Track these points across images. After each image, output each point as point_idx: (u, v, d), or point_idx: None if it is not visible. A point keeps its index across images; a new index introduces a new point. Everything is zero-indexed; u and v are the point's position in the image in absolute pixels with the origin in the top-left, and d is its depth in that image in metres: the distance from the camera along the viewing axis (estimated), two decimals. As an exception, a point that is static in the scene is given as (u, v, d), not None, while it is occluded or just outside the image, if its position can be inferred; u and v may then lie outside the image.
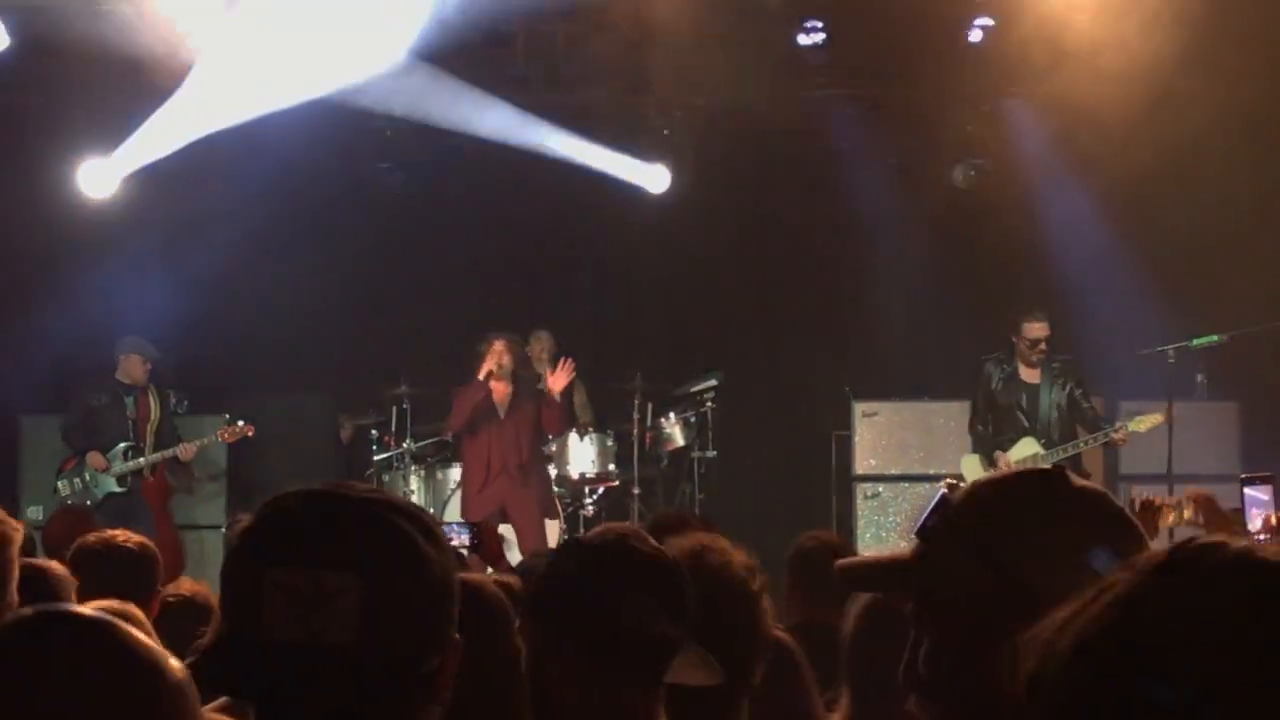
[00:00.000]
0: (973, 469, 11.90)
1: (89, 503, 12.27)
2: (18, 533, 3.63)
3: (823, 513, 13.09)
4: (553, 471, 12.79)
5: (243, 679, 1.92)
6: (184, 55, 12.27)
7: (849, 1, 12.14)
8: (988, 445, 11.91)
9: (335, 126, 13.78)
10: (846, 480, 13.23)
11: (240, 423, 12.70)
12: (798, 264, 14.35)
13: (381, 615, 1.89)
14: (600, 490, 13.12)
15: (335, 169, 13.83)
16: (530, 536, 11.80)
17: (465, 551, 6.40)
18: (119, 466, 12.50)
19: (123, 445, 12.55)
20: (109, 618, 1.72)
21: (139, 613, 4.47)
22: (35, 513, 12.75)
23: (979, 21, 12.37)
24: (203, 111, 12.84)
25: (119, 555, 5.24)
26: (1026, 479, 2.06)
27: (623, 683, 2.83)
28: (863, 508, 12.99)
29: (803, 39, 12.34)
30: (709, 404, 13.38)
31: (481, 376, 11.97)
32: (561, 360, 12.43)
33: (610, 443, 13.13)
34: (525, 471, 12.13)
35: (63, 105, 13.10)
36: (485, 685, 2.83)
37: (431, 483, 13.10)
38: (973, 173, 13.34)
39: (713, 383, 13.38)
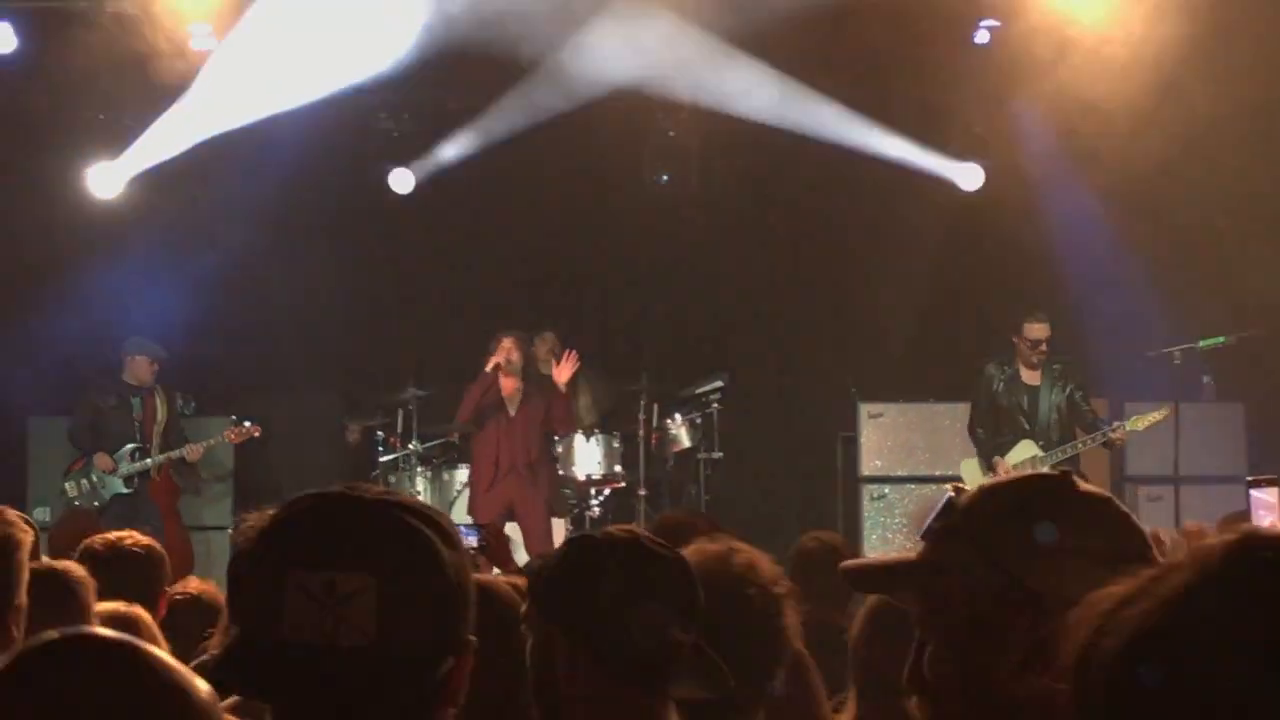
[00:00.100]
0: (972, 473, 11.90)
1: (96, 504, 12.29)
2: (28, 536, 3.63)
3: (829, 514, 13.07)
4: (559, 472, 12.78)
5: (259, 680, 1.93)
6: (190, 56, 12.28)
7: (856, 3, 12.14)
8: (987, 449, 11.90)
9: (342, 127, 13.80)
10: (853, 481, 13.21)
11: (247, 423, 12.70)
12: (803, 265, 14.34)
13: (397, 617, 1.89)
14: (606, 492, 13.11)
15: (343, 170, 13.84)
16: (537, 535, 11.81)
17: (473, 553, 6.41)
18: (126, 468, 12.51)
19: (130, 446, 12.56)
20: (133, 640, 1.72)
21: (145, 614, 4.48)
22: (42, 514, 12.74)
23: (985, 23, 12.37)
24: (209, 112, 12.86)
25: (125, 557, 5.24)
26: (1032, 483, 2.06)
27: (631, 687, 2.83)
28: (869, 509, 12.98)
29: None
30: (715, 405, 13.36)
31: (489, 369, 11.98)
32: (565, 352, 12.43)
33: (616, 444, 13.12)
34: (534, 470, 12.13)
35: (69, 107, 13.12)
36: (497, 685, 2.83)
37: (438, 484, 13.11)
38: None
39: (719, 384, 13.36)
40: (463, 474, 12.90)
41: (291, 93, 13.16)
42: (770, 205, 14.06)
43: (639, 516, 12.53)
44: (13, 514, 3.63)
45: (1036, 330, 11.76)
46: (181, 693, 1.75)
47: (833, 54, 12.61)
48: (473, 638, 2.02)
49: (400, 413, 13.31)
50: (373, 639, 1.88)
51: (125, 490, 12.49)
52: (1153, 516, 12.31)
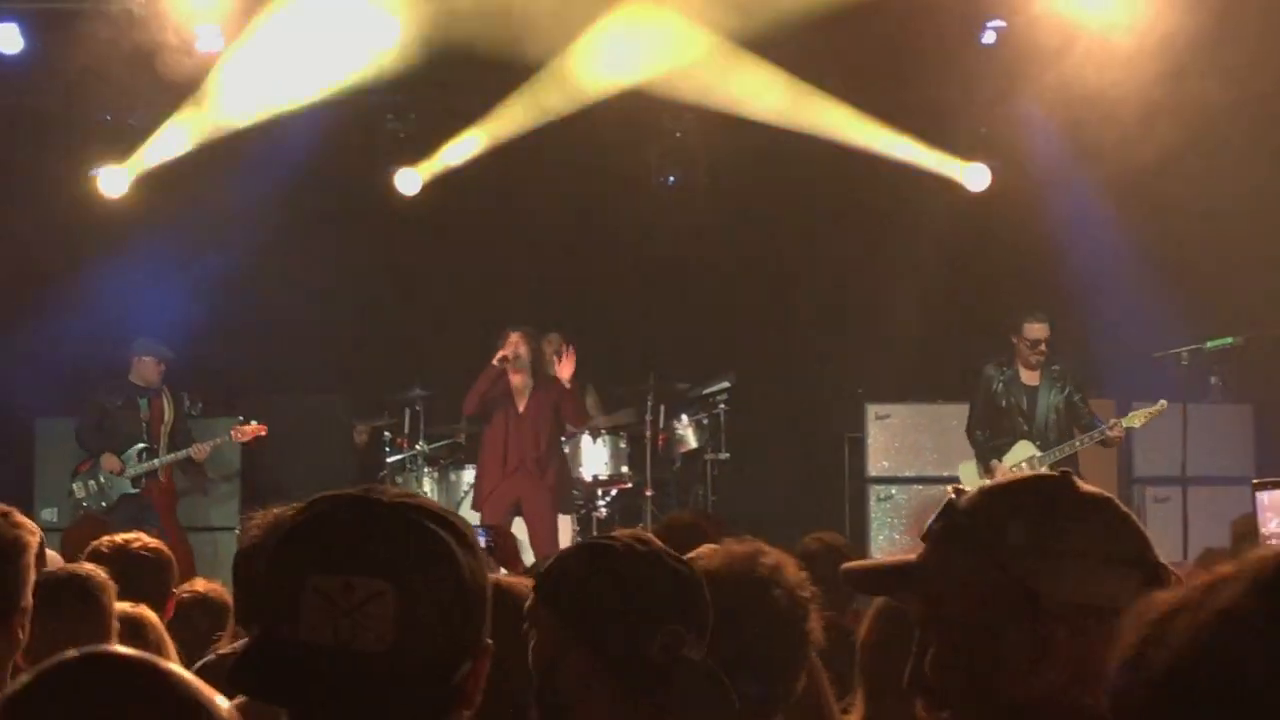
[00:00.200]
0: (969, 476, 11.88)
1: (104, 505, 12.29)
2: (34, 538, 3.63)
3: (836, 515, 13.08)
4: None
5: (275, 683, 1.93)
6: (197, 56, 12.29)
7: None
8: (984, 452, 11.88)
9: (349, 128, 13.82)
10: (860, 482, 13.22)
11: (253, 422, 12.71)
12: (810, 266, 14.34)
13: (414, 620, 1.90)
14: (613, 492, 13.12)
15: (349, 171, 13.85)
16: (542, 533, 11.80)
17: (480, 554, 6.40)
18: (133, 468, 12.52)
19: (137, 447, 12.56)
20: (153, 659, 1.71)
21: (152, 615, 4.49)
22: (50, 515, 12.77)
23: (992, 24, 12.37)
24: (216, 113, 12.88)
25: (133, 558, 5.25)
26: (1033, 484, 2.06)
27: (642, 699, 2.82)
28: (876, 510, 12.98)
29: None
30: (722, 406, 13.38)
31: (495, 361, 11.97)
32: (564, 347, 12.43)
33: (623, 445, 13.13)
34: (542, 465, 12.11)
35: (76, 107, 13.14)
36: (509, 685, 2.82)
37: (444, 484, 13.12)
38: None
39: (726, 385, 13.37)
40: (469, 475, 12.89)
41: (298, 94, 13.18)
42: (777, 206, 14.06)
43: (645, 517, 12.54)
44: (19, 516, 3.63)
45: (1036, 330, 11.74)
46: (201, 711, 1.75)
47: (839, 55, 12.60)
48: (489, 640, 2.02)
49: (407, 413, 13.32)
50: (390, 643, 1.88)
51: (133, 491, 12.49)
52: (1159, 518, 12.32)
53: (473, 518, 11.53)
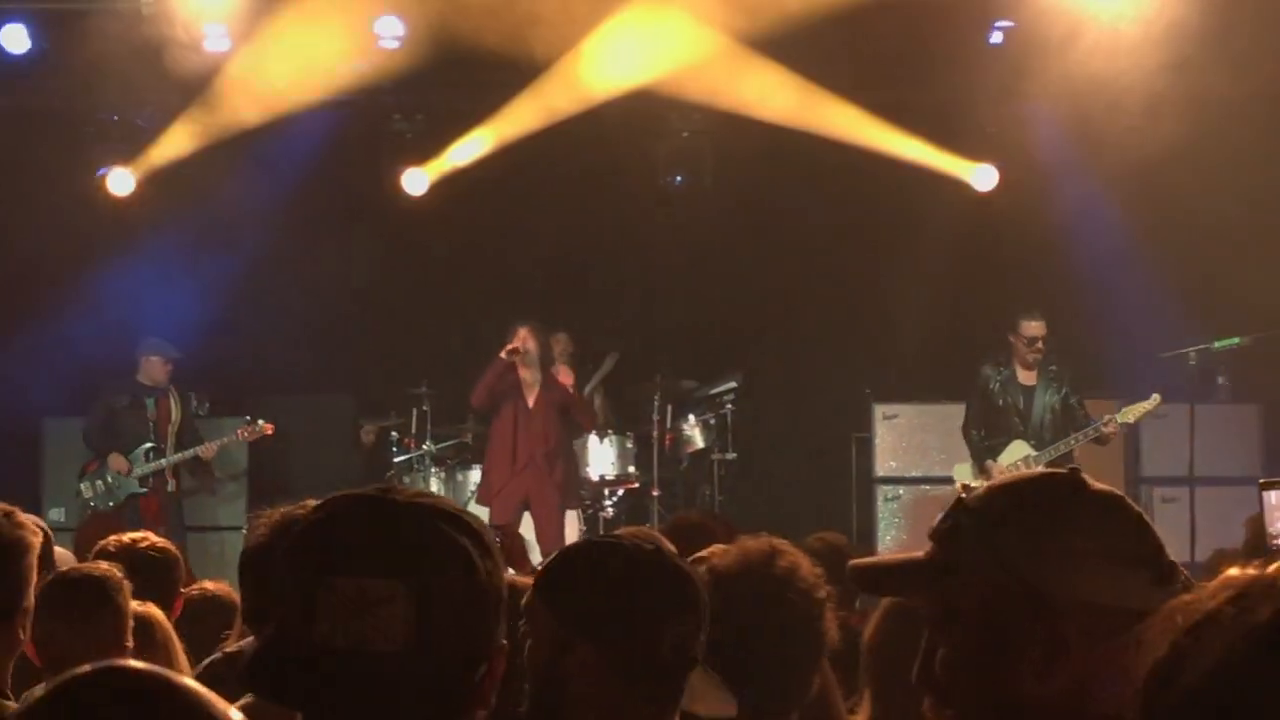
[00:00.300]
0: (964, 477, 11.89)
1: (111, 504, 12.31)
2: (37, 539, 3.63)
3: (843, 515, 13.07)
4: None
5: (289, 684, 1.93)
6: (206, 56, 12.30)
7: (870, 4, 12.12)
8: (980, 452, 11.87)
9: (356, 128, 13.83)
10: (867, 482, 13.21)
11: (260, 422, 12.71)
12: (818, 266, 14.33)
13: (430, 622, 1.89)
14: (620, 492, 13.12)
15: (357, 171, 13.86)
16: (550, 531, 11.79)
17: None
18: (141, 468, 12.52)
19: (145, 447, 12.57)
20: (166, 673, 1.71)
21: (160, 613, 4.49)
22: (57, 515, 12.78)
23: (1000, 24, 12.36)
24: (225, 113, 12.88)
25: (140, 557, 5.25)
26: (1043, 482, 2.05)
27: (647, 699, 2.82)
28: (883, 510, 12.98)
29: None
30: (729, 406, 13.37)
31: (504, 355, 11.95)
32: (570, 348, 12.42)
33: (630, 445, 13.13)
34: (551, 461, 12.10)
35: (83, 107, 13.15)
36: (519, 684, 2.82)
37: (451, 484, 13.11)
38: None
39: (733, 385, 13.37)
40: (476, 475, 12.88)
41: (306, 94, 13.18)
42: (784, 206, 14.05)
43: (652, 517, 12.53)
44: (23, 516, 3.63)
45: (1033, 328, 11.72)
46: None
47: (847, 55, 12.60)
48: (505, 641, 2.02)
49: (414, 413, 13.32)
50: (405, 644, 1.88)
51: (140, 491, 12.50)
52: (1167, 518, 12.30)
53: (481, 513, 11.51)
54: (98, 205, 13.22)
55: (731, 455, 13.43)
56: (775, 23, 11.82)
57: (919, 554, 2.06)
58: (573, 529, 12.32)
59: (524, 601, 2.89)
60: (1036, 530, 1.95)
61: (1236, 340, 11.57)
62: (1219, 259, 12.65)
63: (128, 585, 4.21)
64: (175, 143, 13.08)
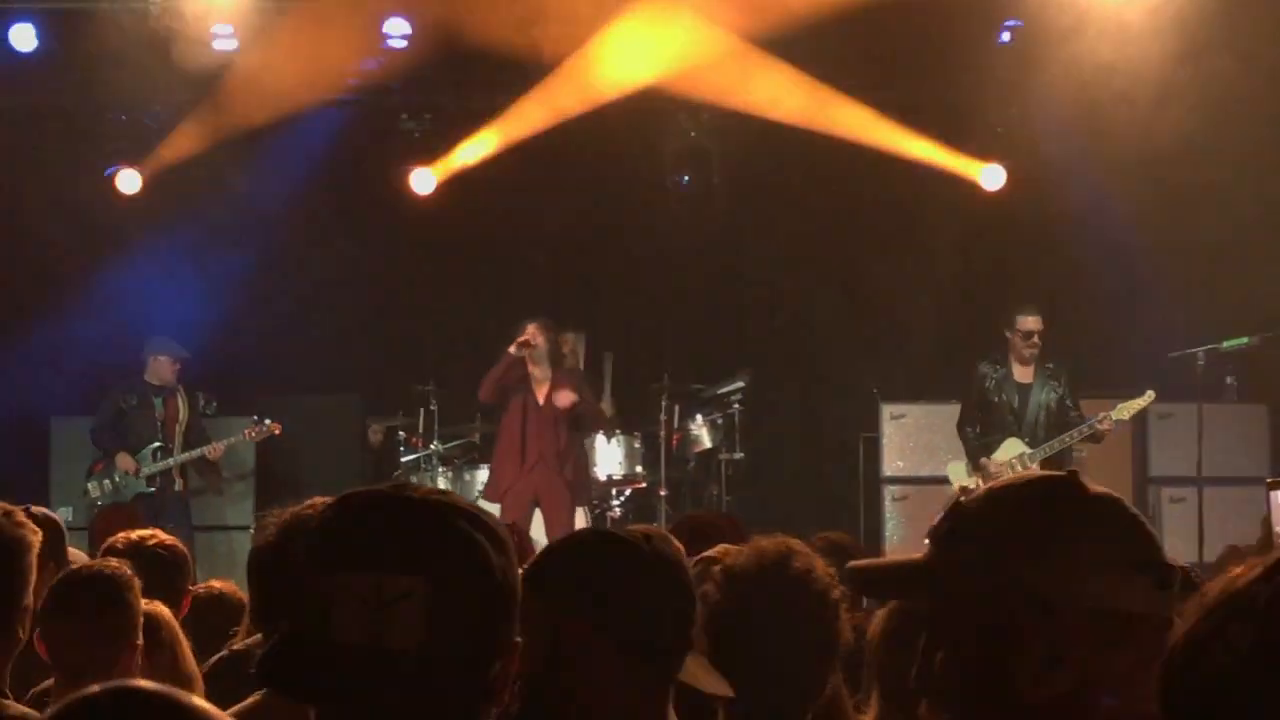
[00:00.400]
0: (958, 474, 11.89)
1: (116, 503, 12.30)
2: (37, 537, 3.62)
3: (850, 515, 13.07)
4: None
5: (305, 680, 1.93)
6: (213, 55, 12.31)
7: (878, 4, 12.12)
8: (974, 449, 11.85)
9: (364, 128, 13.85)
10: (875, 482, 13.21)
11: (267, 421, 12.72)
12: (825, 266, 14.32)
13: (445, 619, 1.90)
14: (627, 492, 13.12)
15: (364, 170, 13.87)
16: (560, 528, 11.77)
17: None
18: (148, 467, 12.53)
19: (152, 446, 12.58)
20: (175, 693, 1.70)
21: (166, 611, 4.49)
22: (65, 513, 12.71)
23: (1009, 23, 12.36)
24: (232, 112, 12.89)
25: (148, 555, 5.25)
26: (1040, 485, 2.04)
27: (646, 678, 2.82)
28: (891, 510, 12.97)
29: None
30: (736, 406, 13.36)
31: (513, 349, 11.93)
32: (577, 349, 12.41)
33: (637, 444, 13.13)
34: (562, 459, 12.08)
35: (92, 106, 13.16)
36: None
37: (459, 484, 13.09)
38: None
39: (740, 384, 13.36)
40: (484, 474, 12.88)
41: (313, 93, 13.19)
42: (792, 206, 14.04)
43: (660, 517, 12.53)
44: (22, 515, 3.62)
45: (1030, 323, 11.70)
46: None
47: (855, 55, 12.60)
48: (519, 639, 2.02)
49: (421, 413, 13.32)
50: (420, 641, 1.88)
51: (147, 490, 12.50)
52: (1175, 518, 12.30)
53: (491, 510, 11.48)
54: (106, 204, 13.23)
55: (739, 455, 13.42)
56: (783, 22, 11.82)
57: (917, 556, 2.06)
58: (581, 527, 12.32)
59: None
60: (1035, 534, 1.95)
61: (1245, 340, 11.56)
62: (1229, 258, 12.65)
63: (138, 583, 4.20)
64: (183, 142, 13.10)
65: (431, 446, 13.19)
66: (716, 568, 3.39)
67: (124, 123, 13.28)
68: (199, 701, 1.74)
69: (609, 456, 12.98)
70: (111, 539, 5.48)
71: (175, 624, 4.55)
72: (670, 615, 2.83)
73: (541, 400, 12.08)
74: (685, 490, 13.75)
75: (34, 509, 5.44)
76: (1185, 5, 11.41)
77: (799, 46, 12.16)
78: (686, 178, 13.79)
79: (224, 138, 13.01)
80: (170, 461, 12.58)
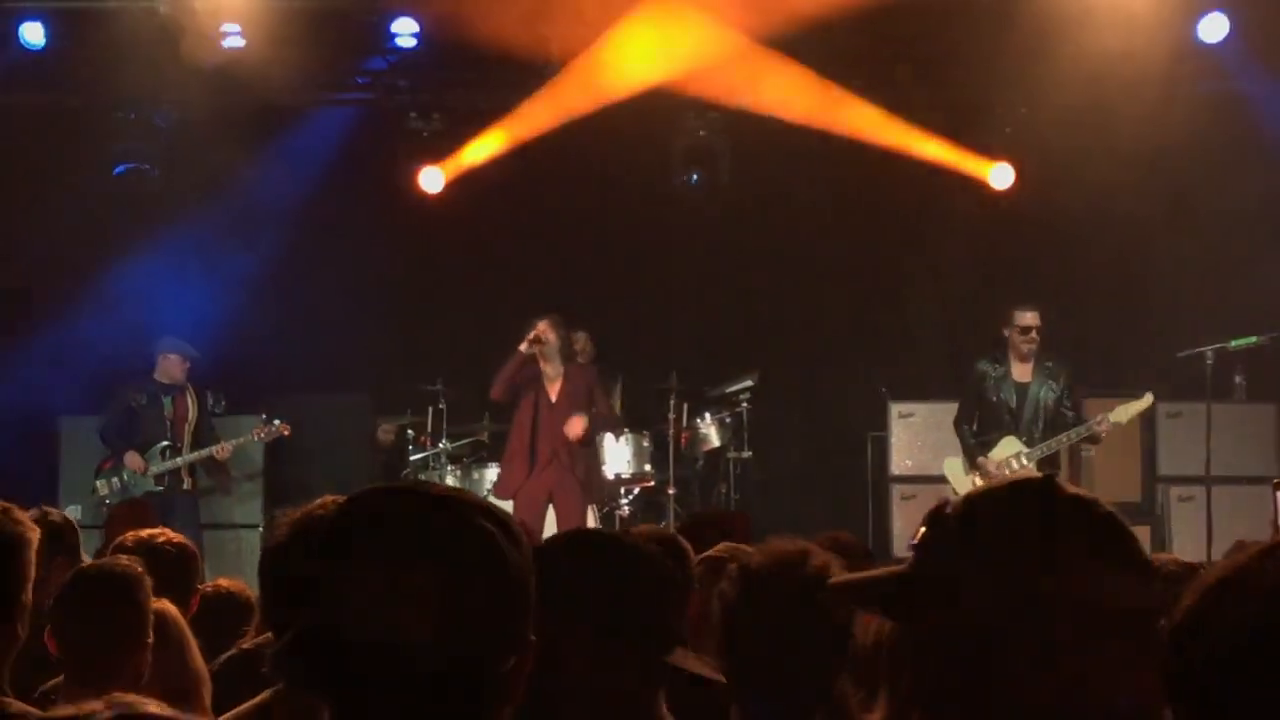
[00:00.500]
0: (955, 471, 11.88)
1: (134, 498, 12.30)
2: (35, 534, 3.62)
3: (859, 514, 13.07)
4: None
5: (321, 674, 1.93)
6: (222, 54, 12.32)
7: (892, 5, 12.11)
8: (971, 447, 11.83)
9: (373, 127, 13.86)
10: (883, 481, 13.20)
11: (276, 422, 12.72)
12: (834, 265, 14.32)
13: (460, 614, 1.90)
14: (636, 490, 13.11)
15: (373, 169, 13.88)
16: (571, 524, 11.77)
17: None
18: (157, 466, 12.53)
19: (161, 445, 12.58)
20: (181, 717, 1.70)
21: (174, 610, 4.49)
22: (74, 512, 12.75)
23: (1016, 20, 12.34)
24: (241, 111, 12.91)
25: (157, 554, 5.25)
26: (1019, 488, 2.05)
27: (629, 666, 2.83)
28: (899, 509, 12.96)
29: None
30: (745, 405, 13.36)
31: (523, 347, 11.91)
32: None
33: (646, 443, 13.12)
34: (574, 457, 12.07)
35: (101, 104, 13.17)
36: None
37: (468, 482, 13.09)
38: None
39: (749, 383, 13.36)
40: (492, 473, 12.88)
41: (322, 92, 13.22)
42: (800, 205, 14.03)
43: (668, 515, 12.53)
44: (20, 513, 3.62)
45: (1028, 318, 11.67)
46: None
47: (862, 54, 12.61)
48: (534, 637, 2.02)
49: (430, 411, 13.32)
50: (435, 636, 1.89)
51: (156, 489, 12.50)
52: (1183, 517, 12.30)
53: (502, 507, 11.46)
54: (115, 203, 13.24)
55: (747, 454, 13.42)
56: (791, 21, 11.83)
57: (898, 568, 2.06)
58: (591, 525, 12.32)
59: None
60: (1018, 535, 1.95)
61: (1253, 339, 11.56)
62: (1237, 256, 12.65)
63: (149, 581, 4.21)
64: (191, 141, 13.10)
65: (440, 445, 13.19)
66: (733, 565, 3.41)
67: (133, 121, 13.28)
68: None
69: (617, 455, 12.97)
70: (121, 537, 5.49)
71: (183, 623, 4.55)
72: (659, 609, 2.86)
73: (554, 398, 12.05)
74: (693, 489, 13.76)
75: (49, 511, 5.46)
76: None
77: (807, 45, 12.17)
78: (695, 176, 13.77)
79: (233, 137, 13.02)
80: (179, 461, 12.58)
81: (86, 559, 5.50)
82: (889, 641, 3.70)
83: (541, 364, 12.03)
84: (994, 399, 11.77)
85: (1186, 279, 13.11)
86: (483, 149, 13.40)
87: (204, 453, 12.65)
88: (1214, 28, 12.02)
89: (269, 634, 4.22)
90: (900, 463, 13.09)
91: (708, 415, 13.56)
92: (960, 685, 1.96)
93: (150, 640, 4.12)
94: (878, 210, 13.93)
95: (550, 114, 12.85)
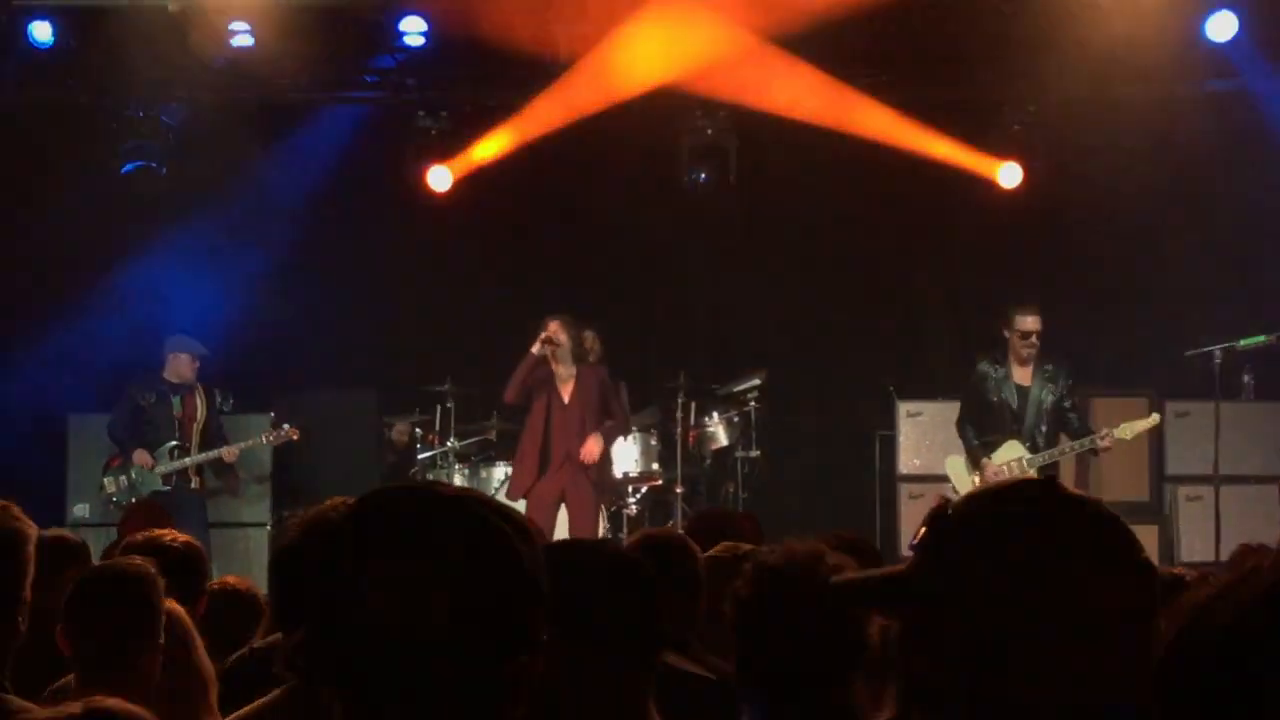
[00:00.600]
0: (957, 470, 11.88)
1: (133, 500, 12.30)
2: (33, 530, 3.62)
3: (866, 513, 13.06)
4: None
5: (332, 670, 1.94)
6: (230, 52, 12.34)
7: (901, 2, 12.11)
8: (974, 449, 11.82)
9: (381, 125, 13.86)
10: (891, 480, 13.20)
11: (285, 426, 12.71)
12: (842, 264, 14.32)
13: (472, 611, 1.91)
14: (643, 489, 13.11)
15: (381, 168, 13.89)
16: (584, 527, 11.78)
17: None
18: (165, 465, 12.51)
19: (169, 445, 12.56)
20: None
21: (179, 609, 4.50)
22: (81, 510, 12.82)
23: (1021, 15, 12.35)
24: (249, 109, 12.91)
25: (164, 554, 5.26)
26: (1020, 489, 2.06)
27: (615, 671, 2.86)
28: (907, 508, 12.95)
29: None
30: (753, 403, 13.35)
31: (534, 349, 11.90)
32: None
33: (654, 442, 13.12)
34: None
35: (110, 103, 13.18)
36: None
37: (475, 481, 13.10)
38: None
39: (756, 382, 13.35)
40: (500, 471, 12.89)
41: (330, 90, 13.22)
42: (808, 203, 14.02)
43: (675, 514, 12.53)
44: (18, 510, 3.62)
45: (1028, 322, 11.64)
46: None
47: (871, 52, 12.60)
48: (545, 637, 2.03)
49: (438, 410, 13.32)
50: (446, 635, 1.89)
51: (163, 488, 12.48)
52: (1192, 516, 12.29)
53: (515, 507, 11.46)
54: (123, 201, 13.25)
55: (755, 453, 13.41)
56: (798, 20, 11.83)
57: (899, 567, 2.07)
58: (602, 527, 12.33)
59: None
60: (1019, 536, 1.96)
61: (1262, 338, 11.53)
62: (1245, 254, 12.64)
63: (161, 580, 4.21)
64: (199, 139, 13.11)
65: (448, 444, 13.20)
66: (747, 564, 3.41)
67: (141, 119, 13.28)
68: None
69: (625, 454, 12.97)
70: (129, 538, 5.49)
71: (189, 622, 4.55)
72: (629, 606, 2.90)
73: (566, 399, 12.04)
74: (701, 488, 13.74)
75: (65, 535, 5.50)
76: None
77: (814, 44, 12.17)
78: (703, 175, 13.76)
79: (241, 135, 13.03)
80: (187, 461, 12.57)
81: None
82: (898, 638, 3.71)
83: (553, 365, 12.01)
84: (995, 401, 11.75)
85: (1195, 278, 13.10)
86: (491, 147, 13.39)
87: (212, 454, 12.64)
88: (1222, 25, 12.00)
89: (278, 633, 4.23)
90: (908, 462, 13.09)
91: (716, 414, 13.55)
92: (958, 685, 1.96)
93: (162, 640, 4.13)
94: (885, 208, 13.92)
95: (558, 112, 12.85)
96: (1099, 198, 13.21)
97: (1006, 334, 11.74)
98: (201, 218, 13.43)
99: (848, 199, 13.89)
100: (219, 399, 13.15)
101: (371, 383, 14.16)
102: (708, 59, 12.40)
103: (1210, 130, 12.27)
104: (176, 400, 12.65)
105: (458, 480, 13.00)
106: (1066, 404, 11.67)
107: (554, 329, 11.91)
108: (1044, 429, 11.65)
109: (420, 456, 13.35)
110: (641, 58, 12.39)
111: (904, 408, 13.17)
